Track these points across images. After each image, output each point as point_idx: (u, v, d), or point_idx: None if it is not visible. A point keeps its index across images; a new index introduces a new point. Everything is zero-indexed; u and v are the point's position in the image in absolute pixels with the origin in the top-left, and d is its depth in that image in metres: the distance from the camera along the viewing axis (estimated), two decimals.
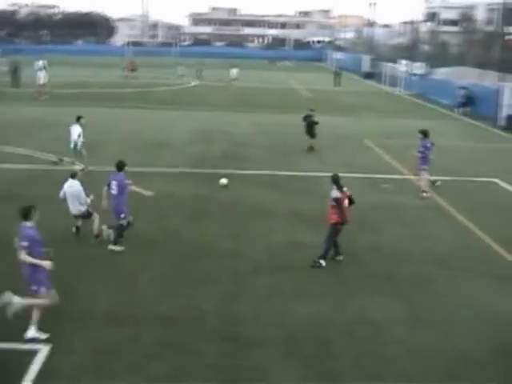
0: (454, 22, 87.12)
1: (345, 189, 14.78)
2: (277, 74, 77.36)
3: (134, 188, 15.58)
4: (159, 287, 13.17)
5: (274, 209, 18.82)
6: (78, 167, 20.35)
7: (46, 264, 10.77)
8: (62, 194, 15.53)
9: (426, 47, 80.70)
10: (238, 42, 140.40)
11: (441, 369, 10.51)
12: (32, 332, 10.88)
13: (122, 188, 15.13)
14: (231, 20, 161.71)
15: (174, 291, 12.97)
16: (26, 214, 11.00)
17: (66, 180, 15.59)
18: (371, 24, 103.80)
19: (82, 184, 15.53)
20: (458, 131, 36.34)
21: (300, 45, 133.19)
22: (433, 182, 22.03)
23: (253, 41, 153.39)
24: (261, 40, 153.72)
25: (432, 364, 10.62)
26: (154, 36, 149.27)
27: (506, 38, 49.52)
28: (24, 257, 10.66)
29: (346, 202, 14.69)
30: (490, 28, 71.33)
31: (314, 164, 25.16)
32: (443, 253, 15.96)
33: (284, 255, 15.28)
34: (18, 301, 10.78)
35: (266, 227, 17.30)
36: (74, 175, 15.59)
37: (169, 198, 19.38)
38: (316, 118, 28.06)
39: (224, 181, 21.06)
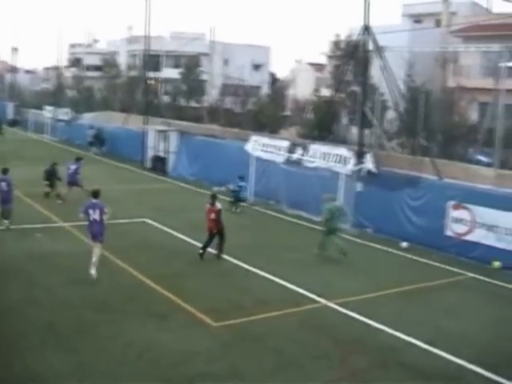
0: (97, 68, 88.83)
1: (217, 204, 19.91)
2: None
3: None
4: None
5: None
6: None
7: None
8: None
9: (72, 93, 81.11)
10: None
11: None
12: (94, 271, 17.05)
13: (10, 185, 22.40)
14: None
15: None
16: (97, 194, 17.58)
17: None
18: (14, 69, 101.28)
19: None
20: (105, 173, 37.05)
21: None
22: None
23: None
24: None
25: None
26: None
27: (148, 82, 51.89)
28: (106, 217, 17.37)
29: (213, 215, 19.77)
30: (134, 73, 73.94)
31: None
32: (102, 296, 16.08)
33: None
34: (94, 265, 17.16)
35: None
36: None
37: None
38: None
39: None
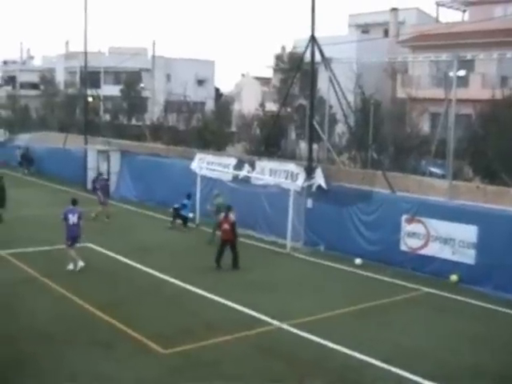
0: (33, 86, 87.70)
1: (231, 215, 21.89)
2: None
3: None
4: None
5: None
6: None
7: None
8: None
9: (6, 112, 79.76)
10: None
11: None
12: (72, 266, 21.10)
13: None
14: None
15: None
16: (75, 202, 21.52)
17: None
18: None
19: None
20: (44, 197, 36.41)
21: None
22: None
23: None
24: None
25: None
26: None
27: (88, 100, 51.45)
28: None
29: (226, 225, 21.77)
30: (72, 91, 73.12)
31: None
32: (43, 327, 15.77)
33: None
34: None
35: None
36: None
37: None
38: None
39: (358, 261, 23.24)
